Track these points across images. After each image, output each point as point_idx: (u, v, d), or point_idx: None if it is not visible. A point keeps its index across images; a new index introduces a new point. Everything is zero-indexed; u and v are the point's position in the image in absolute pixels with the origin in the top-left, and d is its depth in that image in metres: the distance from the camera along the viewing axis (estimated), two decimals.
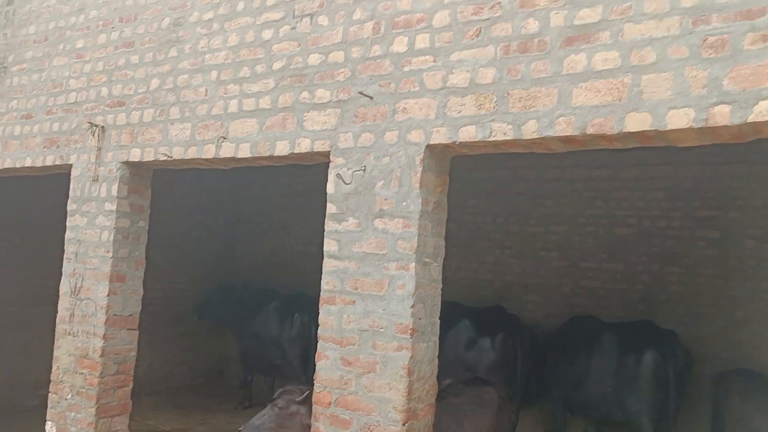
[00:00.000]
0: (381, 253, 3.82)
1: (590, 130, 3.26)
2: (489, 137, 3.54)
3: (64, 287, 5.33)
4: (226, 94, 4.64)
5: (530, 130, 3.42)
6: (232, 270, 10.73)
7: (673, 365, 5.68)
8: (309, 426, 4.25)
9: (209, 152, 4.66)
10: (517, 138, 3.47)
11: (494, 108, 3.53)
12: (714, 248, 7.19)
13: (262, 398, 9.44)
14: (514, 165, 8.52)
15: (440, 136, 3.70)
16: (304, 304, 8.35)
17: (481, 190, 8.77)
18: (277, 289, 9.25)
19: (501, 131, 3.51)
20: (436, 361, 3.95)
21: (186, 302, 9.73)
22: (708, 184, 7.28)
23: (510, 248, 8.49)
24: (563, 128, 3.33)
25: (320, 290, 4.04)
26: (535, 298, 8.27)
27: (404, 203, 3.79)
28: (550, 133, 3.37)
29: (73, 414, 5.07)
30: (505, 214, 8.57)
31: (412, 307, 3.68)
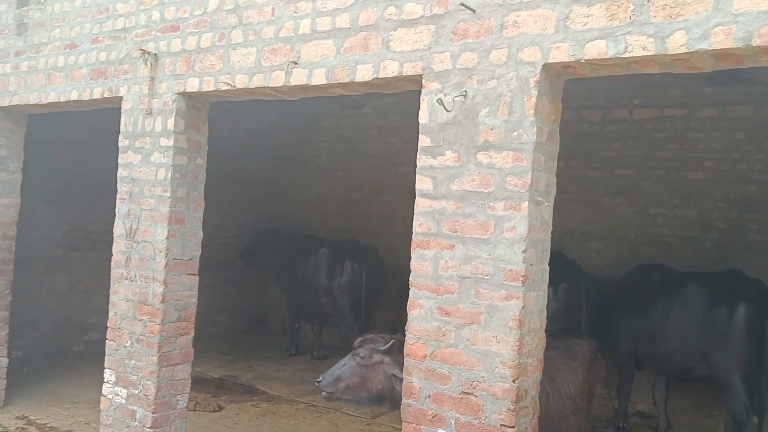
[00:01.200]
0: (486, 191, 3.31)
1: (756, 42, 2.68)
2: (623, 53, 2.97)
3: (119, 229, 4.90)
4: (296, 12, 4.07)
5: (677, 44, 2.84)
6: (278, 214, 10.31)
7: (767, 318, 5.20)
8: (394, 377, 3.86)
9: (278, 80, 4.12)
10: (660, 53, 2.89)
11: (630, 18, 2.95)
12: None
13: (308, 346, 9.17)
14: (577, 105, 7.88)
15: (561, 54, 3.13)
16: (355, 251, 7.93)
17: None
18: (324, 236, 8.83)
19: (639, 45, 2.93)
20: (545, 312, 3.49)
21: (230, 248, 9.36)
22: None
23: (572, 193, 7.93)
24: (720, 40, 2.75)
25: (412, 233, 3.56)
26: (597, 245, 7.76)
27: (515, 133, 3.25)
28: (703, 46, 2.79)
29: (133, 362, 4.71)
30: (567, 156, 7.94)
31: (524, 252, 3.19)
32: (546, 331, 4.51)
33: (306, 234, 9.06)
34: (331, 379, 4.00)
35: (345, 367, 4.01)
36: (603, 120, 7.76)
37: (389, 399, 3.94)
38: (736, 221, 6.91)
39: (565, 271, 6.61)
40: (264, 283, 10.43)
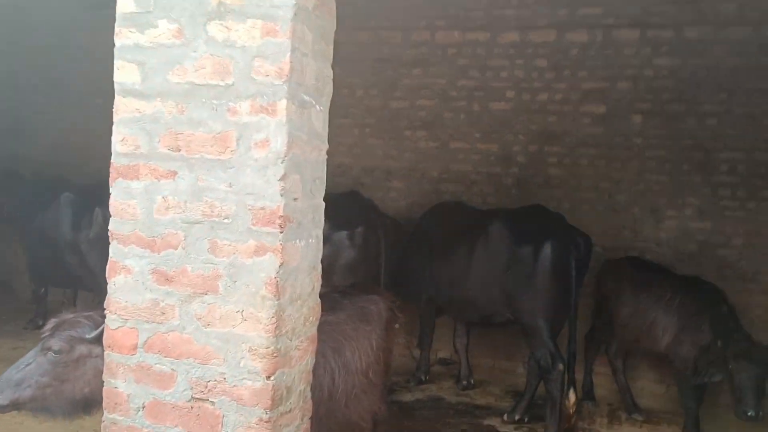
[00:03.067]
0: (223, 83, 2.06)
1: None
2: None
3: None
4: None
5: None
6: (20, 155, 8.09)
7: (575, 255, 4.66)
8: None
9: None
10: None
11: None
12: (599, 125, 6.23)
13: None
14: (375, 25, 6.85)
15: None
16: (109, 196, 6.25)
17: (336, 56, 7.03)
18: (73, 179, 6.97)
19: None
20: (320, 267, 2.38)
21: None
22: (596, 51, 6.20)
23: (371, 126, 6.98)
24: None
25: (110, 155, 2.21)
26: (399, 184, 6.92)
27: None
28: None
29: None
30: (365, 85, 6.97)
31: (282, 179, 2.02)
32: (333, 290, 3.48)
33: (53, 178, 7.11)
34: (7, 385, 2.56)
35: (31, 366, 2.59)
36: (404, 43, 6.81)
37: (100, 405, 2.61)
38: (536, 155, 6.43)
39: (361, 212, 5.64)
40: (7, 240, 8.24)
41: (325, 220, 5.40)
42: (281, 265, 2.02)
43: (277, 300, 2.02)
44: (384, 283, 5.46)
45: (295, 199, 2.09)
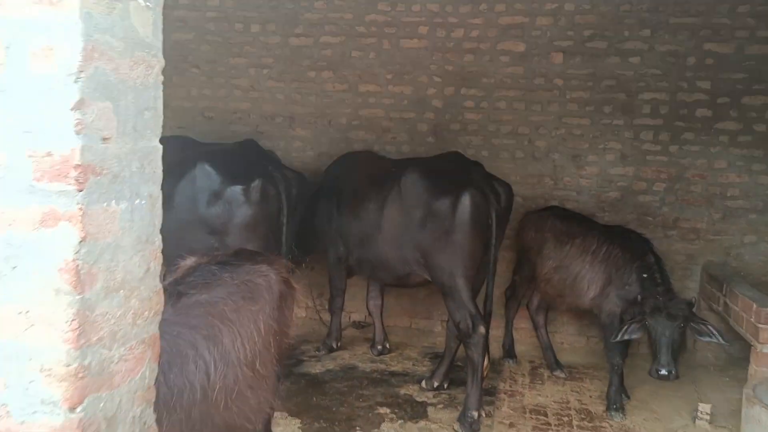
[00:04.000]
0: None
1: None
2: None
3: None
4: None
5: None
6: None
7: (495, 207, 4.15)
8: None
9: None
10: None
11: None
12: (517, 64, 5.71)
13: None
14: None
15: None
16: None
17: None
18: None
19: None
20: (159, 240, 1.68)
21: None
22: None
23: (270, 68, 6.14)
24: None
25: None
26: (303, 132, 6.18)
27: None
28: None
29: None
30: (262, 20, 6.10)
31: (78, 107, 1.31)
32: (209, 260, 2.78)
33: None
34: None
35: None
36: None
37: None
38: (452, 99, 5.85)
39: (259, 164, 4.88)
40: None
41: (215, 173, 4.74)
42: (83, 240, 1.31)
43: (80, 293, 1.32)
44: (287, 243, 4.79)
45: (104, 140, 1.36)
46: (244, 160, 4.89)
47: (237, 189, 4.68)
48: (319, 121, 6.09)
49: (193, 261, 2.74)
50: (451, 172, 4.32)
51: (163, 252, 1.65)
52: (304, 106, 6.10)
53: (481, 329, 4.01)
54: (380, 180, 4.52)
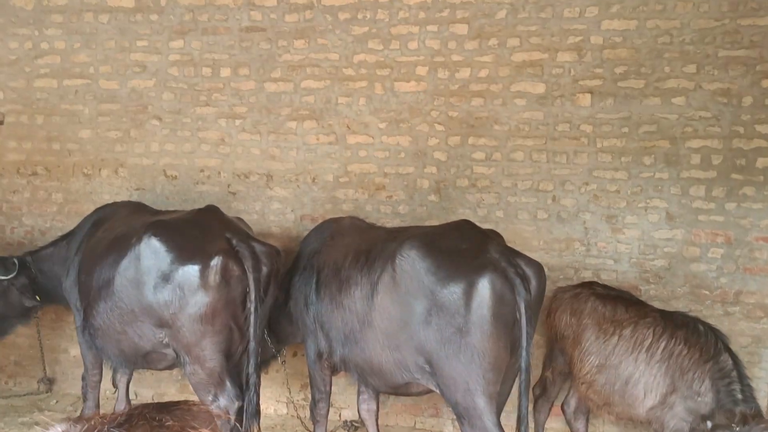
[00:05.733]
0: None
1: None
2: None
3: None
4: None
5: None
6: None
7: (524, 295, 3.11)
8: None
9: None
10: None
11: None
12: (536, 108, 4.78)
13: None
14: None
15: None
16: None
17: (190, 24, 5.24)
18: None
19: None
20: None
21: None
22: (530, 11, 4.73)
23: (244, 118, 5.21)
24: None
25: None
26: (283, 192, 5.21)
27: None
28: None
29: None
30: (233, 63, 5.19)
31: None
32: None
33: None
34: None
35: None
36: (280, 5, 5.10)
37: None
38: (458, 149, 4.90)
39: (220, 236, 3.88)
40: None
41: (164, 250, 3.72)
42: None
43: None
44: (255, 336, 3.77)
45: None
46: (201, 231, 3.92)
47: (191, 269, 3.72)
48: (301, 178, 5.14)
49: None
50: (462, 247, 3.31)
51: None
52: (284, 161, 5.16)
53: None
54: (369, 257, 3.51)
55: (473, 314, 3.03)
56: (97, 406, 4.74)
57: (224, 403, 3.81)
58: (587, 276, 4.63)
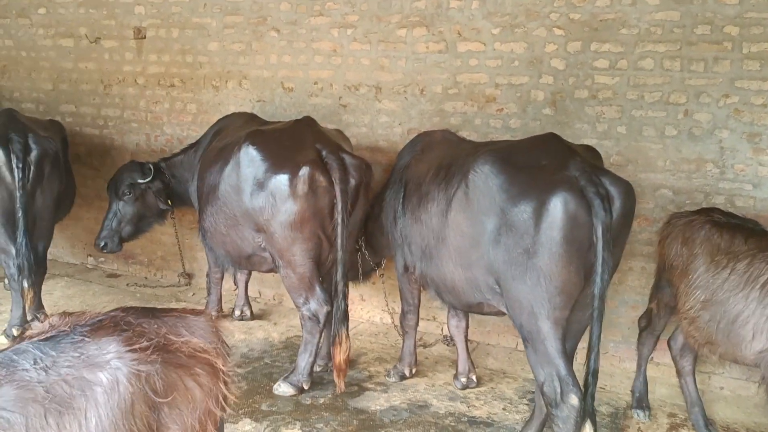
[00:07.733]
0: None
1: None
2: None
3: None
4: None
5: None
6: None
7: (602, 218, 2.83)
8: None
9: None
10: None
11: None
12: (672, 7, 4.15)
13: None
14: None
15: None
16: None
17: None
18: None
19: None
20: None
21: None
22: None
23: (355, 27, 5.17)
24: None
25: None
26: (391, 105, 5.17)
27: None
28: None
29: None
30: None
31: None
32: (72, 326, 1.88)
33: None
34: None
35: None
36: None
37: None
38: (579, 56, 4.46)
39: (311, 147, 3.97)
40: None
41: (260, 158, 3.93)
42: None
43: None
44: (342, 246, 3.90)
45: None
46: (294, 142, 4.06)
47: (281, 178, 3.89)
48: (410, 90, 5.04)
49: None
50: (543, 163, 3.07)
51: None
52: (392, 72, 5.08)
53: (573, 399, 2.81)
54: (449, 172, 3.40)
55: (542, 235, 2.85)
56: (220, 300, 5.27)
57: (314, 306, 4.04)
58: (719, 202, 4.10)
